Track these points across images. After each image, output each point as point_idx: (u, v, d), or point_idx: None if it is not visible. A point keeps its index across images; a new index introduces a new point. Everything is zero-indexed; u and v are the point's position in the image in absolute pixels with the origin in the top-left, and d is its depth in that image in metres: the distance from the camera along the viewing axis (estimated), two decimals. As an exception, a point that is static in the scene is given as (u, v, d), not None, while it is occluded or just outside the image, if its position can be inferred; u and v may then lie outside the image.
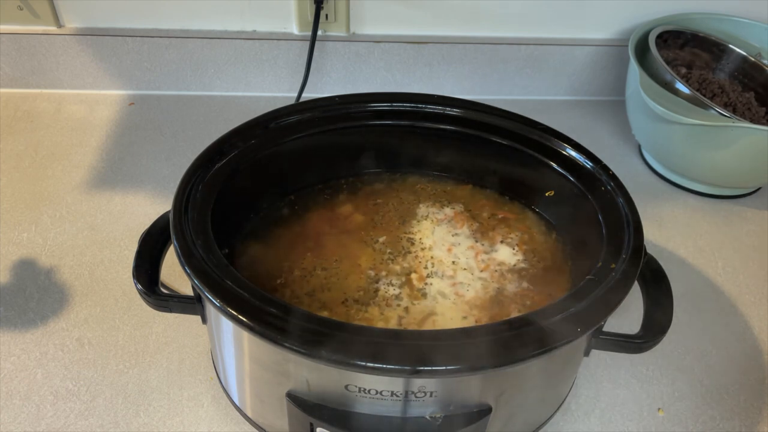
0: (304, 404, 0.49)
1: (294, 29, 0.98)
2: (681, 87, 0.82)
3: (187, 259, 0.48)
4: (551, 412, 0.59)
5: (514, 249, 0.62)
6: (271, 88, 1.03)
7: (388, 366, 0.42)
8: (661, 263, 0.57)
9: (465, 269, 0.60)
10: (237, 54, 0.99)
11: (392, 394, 0.47)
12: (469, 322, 0.55)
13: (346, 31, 0.98)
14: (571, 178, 0.61)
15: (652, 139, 0.91)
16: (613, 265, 0.51)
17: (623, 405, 0.64)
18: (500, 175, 0.68)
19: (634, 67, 0.85)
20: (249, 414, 0.57)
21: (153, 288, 0.53)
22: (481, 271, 0.60)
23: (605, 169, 0.60)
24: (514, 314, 0.56)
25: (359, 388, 0.47)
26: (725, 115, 0.77)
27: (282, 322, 0.44)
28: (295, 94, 0.99)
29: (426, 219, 0.65)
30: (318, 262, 0.60)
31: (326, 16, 0.95)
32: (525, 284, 0.59)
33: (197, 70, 1.01)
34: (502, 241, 0.63)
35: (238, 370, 0.54)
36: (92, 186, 0.85)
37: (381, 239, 0.63)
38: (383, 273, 0.59)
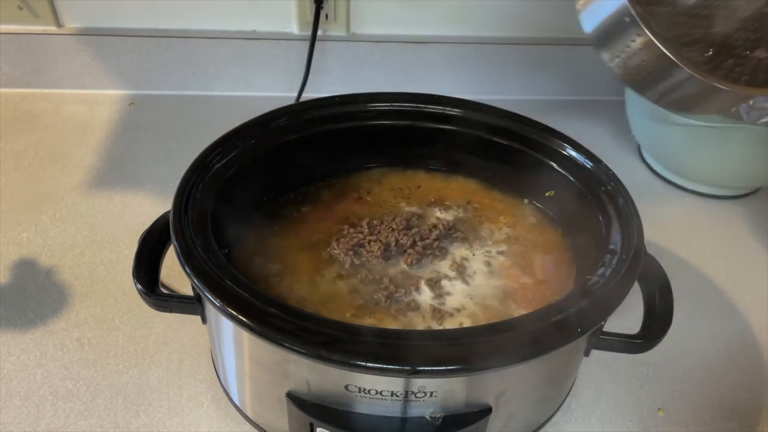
0: (304, 404, 0.49)
1: (294, 29, 0.98)
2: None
3: (187, 259, 0.48)
4: (551, 412, 0.59)
5: (512, 249, 0.62)
6: (271, 88, 1.03)
7: (388, 366, 0.42)
8: (661, 263, 0.57)
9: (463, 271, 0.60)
10: (237, 54, 0.99)
11: (392, 394, 0.47)
12: (470, 323, 0.55)
13: (346, 31, 0.98)
14: (571, 178, 0.61)
15: (652, 139, 0.91)
16: (613, 265, 0.50)
17: (623, 405, 0.64)
18: (500, 175, 0.68)
19: (634, 67, 0.85)
20: (249, 414, 0.57)
21: (153, 288, 0.53)
22: (481, 272, 0.60)
23: (605, 169, 0.60)
24: (515, 314, 0.55)
25: (359, 388, 0.47)
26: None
27: (282, 322, 0.44)
28: (295, 94, 0.99)
29: (425, 220, 0.65)
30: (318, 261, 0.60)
31: (326, 16, 0.96)
32: (524, 284, 0.59)
33: (197, 70, 1.01)
34: (501, 241, 0.63)
35: (238, 370, 0.54)
36: (92, 186, 0.85)
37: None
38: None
